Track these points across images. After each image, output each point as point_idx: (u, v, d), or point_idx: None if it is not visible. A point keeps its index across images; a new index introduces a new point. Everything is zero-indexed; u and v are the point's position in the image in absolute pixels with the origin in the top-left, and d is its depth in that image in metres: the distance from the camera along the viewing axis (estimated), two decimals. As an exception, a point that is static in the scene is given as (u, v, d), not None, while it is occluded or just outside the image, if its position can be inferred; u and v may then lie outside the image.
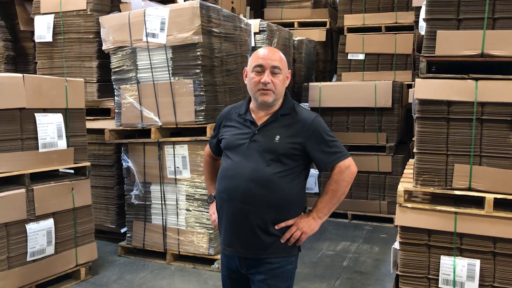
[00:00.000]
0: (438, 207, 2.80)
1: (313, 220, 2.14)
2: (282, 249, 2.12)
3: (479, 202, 2.80)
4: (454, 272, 2.84)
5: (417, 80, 2.86)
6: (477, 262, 2.80)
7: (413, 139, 3.16)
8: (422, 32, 3.11)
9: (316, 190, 5.47)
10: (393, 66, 6.22)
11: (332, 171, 2.15)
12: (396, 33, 6.11)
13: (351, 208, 5.38)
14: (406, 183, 3.00)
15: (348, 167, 2.12)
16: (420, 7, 3.81)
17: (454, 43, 2.80)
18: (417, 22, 3.73)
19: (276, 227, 2.10)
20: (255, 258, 2.12)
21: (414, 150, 2.92)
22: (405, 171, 3.47)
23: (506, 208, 2.79)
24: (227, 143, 2.19)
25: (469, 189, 2.81)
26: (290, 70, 2.23)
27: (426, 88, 2.83)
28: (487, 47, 2.75)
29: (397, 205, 2.90)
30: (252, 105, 2.21)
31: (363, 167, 5.26)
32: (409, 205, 2.86)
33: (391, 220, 5.18)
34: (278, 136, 2.10)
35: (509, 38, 2.73)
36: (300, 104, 5.37)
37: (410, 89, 5.39)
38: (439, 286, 2.85)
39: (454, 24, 2.84)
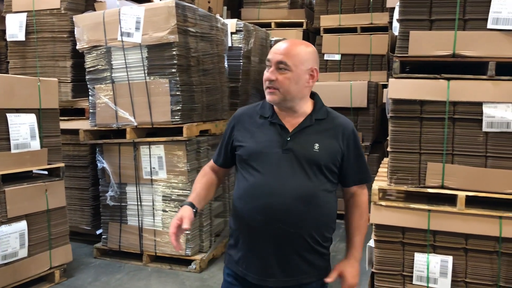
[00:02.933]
0: (412, 205, 2.84)
1: (357, 264, 1.89)
2: (325, 268, 1.92)
3: (451, 200, 2.86)
4: (428, 268, 2.89)
5: (390, 80, 2.91)
6: (450, 259, 2.86)
7: (387, 138, 3.21)
8: (396, 33, 3.16)
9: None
10: (368, 66, 6.29)
11: (354, 193, 1.93)
12: (371, 34, 6.18)
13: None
14: (380, 182, 3.04)
15: (366, 193, 1.97)
16: (394, 8, 3.87)
17: (427, 43, 2.85)
18: (391, 23, 3.79)
19: (328, 280, 1.87)
20: (295, 285, 1.88)
21: (388, 149, 2.96)
22: (379, 169, 3.52)
23: (478, 205, 2.85)
24: (250, 152, 1.85)
25: (442, 187, 2.86)
26: (314, 68, 1.87)
27: (399, 88, 2.87)
28: (459, 48, 2.81)
29: (371, 203, 2.94)
30: (276, 106, 1.91)
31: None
32: (383, 203, 2.89)
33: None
34: (317, 145, 1.82)
35: (480, 39, 2.79)
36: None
37: (385, 89, 5.46)
38: (413, 283, 2.90)
39: (427, 24, 2.89)
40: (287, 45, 1.85)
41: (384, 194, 3.05)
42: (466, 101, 2.81)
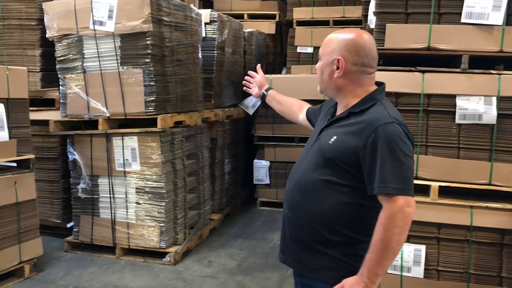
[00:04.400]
0: (387, 195, 2.89)
1: (363, 284, 1.64)
2: (326, 272, 1.76)
3: (425, 190, 2.93)
4: (402, 257, 2.96)
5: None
6: (423, 248, 2.93)
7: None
8: (372, 26, 3.19)
9: (267, 181, 5.51)
10: (340, 59, 6.32)
11: (381, 208, 1.65)
12: (343, 27, 6.22)
13: (301, 198, 5.45)
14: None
15: (401, 208, 1.60)
16: (369, 1, 3.91)
17: (402, 36, 2.90)
18: (366, 16, 3.82)
19: None
20: (299, 274, 1.88)
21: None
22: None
23: (450, 196, 2.93)
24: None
25: (416, 177, 2.92)
26: (340, 58, 1.75)
27: (375, 80, 2.91)
28: (433, 41, 2.87)
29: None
30: None
31: (313, 158, 5.35)
32: (359, 194, 2.93)
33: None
34: (334, 137, 1.74)
35: (454, 33, 2.85)
36: (251, 96, 5.29)
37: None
38: (388, 272, 2.96)
39: (403, 18, 2.94)
40: (329, 37, 1.83)
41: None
42: (440, 94, 2.87)
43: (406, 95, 2.90)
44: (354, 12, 6.18)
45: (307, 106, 2.31)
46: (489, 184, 2.87)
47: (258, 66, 2.58)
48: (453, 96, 2.86)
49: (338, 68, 1.76)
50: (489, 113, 2.81)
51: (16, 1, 4.16)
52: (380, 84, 1.86)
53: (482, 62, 2.93)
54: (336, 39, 1.79)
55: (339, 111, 1.83)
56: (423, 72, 2.88)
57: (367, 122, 1.68)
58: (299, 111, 2.33)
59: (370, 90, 1.80)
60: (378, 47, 2.92)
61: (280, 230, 1.94)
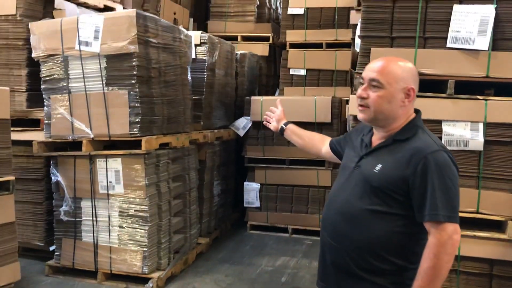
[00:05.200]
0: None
1: None
2: None
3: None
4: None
5: (351, 96, 2.90)
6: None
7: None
8: (358, 49, 3.16)
9: (257, 204, 5.42)
10: (333, 82, 6.32)
11: (429, 232, 1.68)
12: (336, 50, 6.23)
13: (292, 222, 5.37)
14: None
15: (451, 235, 1.65)
16: (357, 24, 3.89)
17: (387, 60, 2.85)
18: (353, 39, 3.80)
19: None
20: None
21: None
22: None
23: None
24: (342, 163, 2.00)
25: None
26: (411, 87, 1.81)
27: (359, 104, 2.86)
28: (419, 65, 2.83)
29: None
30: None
31: (304, 181, 5.28)
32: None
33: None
34: (380, 165, 1.76)
35: (439, 57, 2.82)
36: (243, 117, 5.25)
37: (347, 105, 5.47)
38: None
39: (388, 42, 2.90)
40: (383, 62, 1.82)
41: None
42: (426, 119, 2.80)
43: (392, 120, 2.84)
44: (346, 35, 6.17)
45: (328, 139, 2.35)
46: (477, 212, 2.80)
47: (278, 100, 2.66)
48: (439, 122, 2.80)
49: (406, 96, 1.80)
50: (476, 139, 2.75)
51: (3, 21, 4.15)
52: (417, 111, 1.90)
53: (472, 87, 2.89)
54: (401, 67, 1.81)
55: (379, 139, 1.86)
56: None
57: (415, 149, 1.71)
58: (321, 144, 2.37)
59: (411, 117, 1.85)
60: (362, 71, 2.89)
61: (318, 258, 1.96)
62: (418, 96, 2.84)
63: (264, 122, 2.66)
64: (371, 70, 1.82)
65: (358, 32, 3.14)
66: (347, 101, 5.87)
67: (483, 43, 2.73)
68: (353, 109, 2.84)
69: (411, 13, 2.83)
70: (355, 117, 2.83)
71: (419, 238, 1.73)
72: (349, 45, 6.20)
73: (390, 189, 1.71)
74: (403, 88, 1.79)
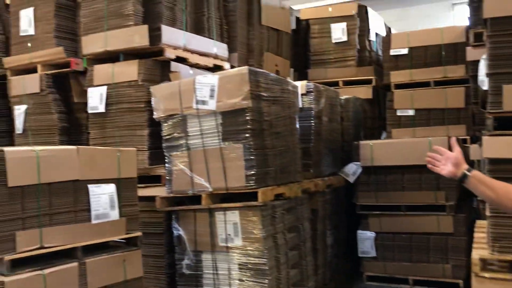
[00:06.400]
0: (521, 277, 2.53)
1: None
2: None
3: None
4: None
5: (485, 138, 2.69)
6: None
7: (476, 197, 2.93)
8: (484, 87, 2.97)
9: (373, 254, 5.18)
10: (445, 120, 6.03)
11: None
12: (446, 87, 5.97)
13: (412, 272, 5.03)
14: (480, 250, 2.75)
15: None
16: (474, 61, 3.69)
17: (523, 97, 2.64)
18: (473, 76, 3.59)
19: None
20: None
21: (487, 213, 2.69)
22: (475, 235, 3.21)
23: None
24: None
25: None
26: None
27: (495, 146, 2.65)
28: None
29: (472, 274, 2.65)
30: None
31: (423, 228, 4.98)
32: (486, 275, 2.60)
33: (456, 285, 4.78)
34: None
35: None
36: (352, 163, 5.12)
37: (471, 145, 5.11)
38: None
39: (521, 77, 2.69)
40: None
41: (484, 263, 2.74)
42: None
43: (533, 162, 2.59)
44: (456, 71, 5.91)
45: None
46: None
47: (453, 139, 2.33)
48: None
49: None
50: None
51: (127, 86, 4.50)
52: None
53: None
54: None
55: None
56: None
57: None
58: (504, 198, 2.03)
59: None
60: (496, 110, 2.68)
61: None
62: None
63: (429, 166, 2.30)
64: None
65: (483, 69, 2.96)
66: (463, 140, 5.59)
67: None
68: (488, 151, 2.63)
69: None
70: (491, 160, 2.62)
71: None
72: (459, 81, 5.93)
73: None
74: None
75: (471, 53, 4.45)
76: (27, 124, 5.18)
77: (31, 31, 5.12)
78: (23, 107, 5.18)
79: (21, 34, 5.20)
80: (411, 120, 6.12)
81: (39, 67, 5.06)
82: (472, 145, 5.15)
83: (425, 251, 5.01)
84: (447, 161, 2.18)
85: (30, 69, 5.17)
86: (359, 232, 5.27)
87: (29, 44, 5.15)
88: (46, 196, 3.13)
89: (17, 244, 2.96)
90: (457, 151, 2.18)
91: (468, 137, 5.80)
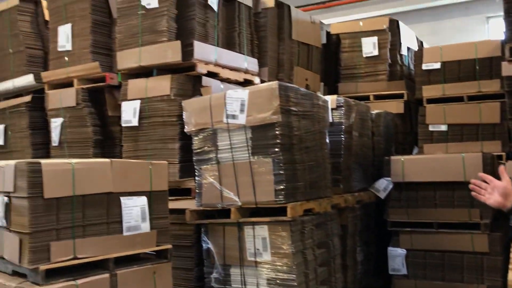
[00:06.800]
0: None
1: None
2: None
3: None
4: None
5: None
6: None
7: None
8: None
9: (404, 271, 5.07)
10: (479, 136, 5.90)
11: None
12: (480, 102, 5.85)
13: (445, 292, 4.91)
14: (516, 271, 2.67)
15: None
16: (510, 76, 3.61)
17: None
18: (509, 91, 3.51)
19: None
20: None
21: (524, 234, 2.61)
22: None
23: None
24: None
25: None
26: None
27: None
28: None
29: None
30: None
31: (456, 247, 4.84)
32: (523, 297, 2.51)
33: (492, 307, 4.64)
34: None
35: None
36: (382, 179, 5.07)
37: (507, 162, 4.97)
38: None
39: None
40: None
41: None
42: None
43: None
44: (491, 86, 5.79)
45: None
46: None
47: (502, 168, 2.22)
48: None
49: None
50: None
51: (160, 101, 4.60)
52: None
53: None
54: None
55: None
56: None
57: None
58: None
59: None
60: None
61: None
62: None
63: (473, 194, 2.22)
64: None
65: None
66: (498, 157, 5.46)
67: None
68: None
69: None
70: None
71: None
72: (494, 96, 5.81)
73: None
74: None
75: (506, 68, 4.36)
76: (63, 137, 5.34)
77: (69, 46, 5.31)
78: (59, 120, 5.36)
79: (59, 49, 5.40)
80: (444, 136, 6.01)
81: (75, 82, 5.23)
82: (508, 161, 5.02)
83: (458, 271, 4.87)
84: (493, 190, 2.10)
85: (67, 83, 5.35)
86: (390, 249, 5.17)
87: (66, 59, 5.34)
88: (80, 207, 3.21)
89: (52, 254, 3.05)
90: (507, 180, 2.09)
91: (503, 153, 5.65)
